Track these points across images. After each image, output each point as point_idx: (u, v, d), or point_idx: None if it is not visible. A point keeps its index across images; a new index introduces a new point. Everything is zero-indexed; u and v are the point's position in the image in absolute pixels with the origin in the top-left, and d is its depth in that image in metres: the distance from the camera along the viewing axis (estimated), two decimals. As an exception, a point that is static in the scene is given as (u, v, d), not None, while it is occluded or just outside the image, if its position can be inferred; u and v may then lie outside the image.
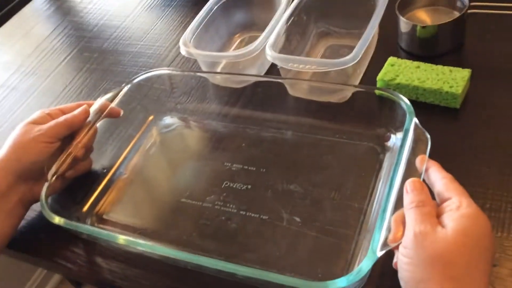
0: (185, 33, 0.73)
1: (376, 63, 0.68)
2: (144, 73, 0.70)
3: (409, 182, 0.46)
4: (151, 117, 0.72)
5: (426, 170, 0.47)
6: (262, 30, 0.69)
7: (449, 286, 0.39)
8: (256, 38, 0.68)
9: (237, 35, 0.81)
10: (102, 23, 1.00)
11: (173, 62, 0.84)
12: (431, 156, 0.51)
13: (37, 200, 0.60)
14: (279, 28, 0.68)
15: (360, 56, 0.61)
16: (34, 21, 1.07)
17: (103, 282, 0.57)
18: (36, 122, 0.61)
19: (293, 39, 0.71)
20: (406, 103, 0.55)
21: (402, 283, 0.43)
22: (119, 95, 0.68)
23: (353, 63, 0.60)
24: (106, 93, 0.68)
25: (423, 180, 0.46)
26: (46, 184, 0.58)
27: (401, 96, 0.56)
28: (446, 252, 0.40)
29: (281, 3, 0.73)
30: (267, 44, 0.66)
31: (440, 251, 0.40)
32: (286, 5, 0.72)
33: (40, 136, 0.58)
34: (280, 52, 0.66)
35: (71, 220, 0.57)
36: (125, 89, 0.68)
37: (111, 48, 0.92)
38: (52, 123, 0.60)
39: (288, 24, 0.69)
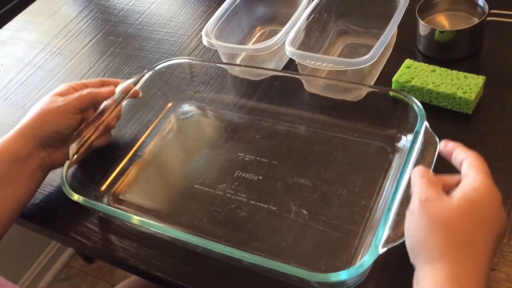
0: (207, 23, 0.74)
1: (393, 64, 0.69)
2: (165, 61, 0.72)
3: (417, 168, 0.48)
4: (170, 104, 0.75)
5: (451, 151, 0.48)
6: (283, 24, 0.70)
7: (450, 251, 0.40)
8: (276, 32, 0.70)
9: (258, 28, 0.83)
10: (128, 8, 1.02)
11: (195, 51, 0.86)
12: (439, 161, 0.52)
13: (55, 166, 0.63)
14: (300, 24, 0.69)
15: (377, 57, 0.62)
16: (61, 1, 1.10)
17: (116, 259, 0.60)
18: (61, 94, 0.64)
19: (313, 36, 0.73)
20: (418, 106, 0.56)
21: (409, 249, 0.44)
22: (140, 80, 0.70)
23: (370, 63, 0.61)
24: (128, 78, 0.71)
25: None
26: (67, 163, 0.60)
27: (414, 99, 0.57)
28: (449, 218, 0.41)
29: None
30: (287, 40, 0.67)
31: (444, 216, 0.41)
32: (308, 2, 0.73)
33: (63, 107, 0.61)
34: (299, 48, 0.68)
35: (89, 198, 0.60)
36: (147, 75, 0.71)
37: (135, 33, 0.95)
38: (76, 95, 0.63)
39: (309, 21, 0.71)
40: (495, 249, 0.43)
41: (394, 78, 0.66)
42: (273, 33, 0.77)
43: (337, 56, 0.75)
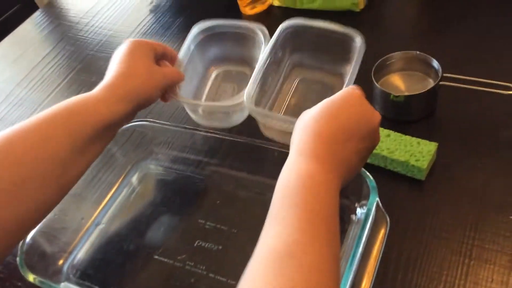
0: None
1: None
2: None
3: None
4: (129, 166, 0.75)
5: None
6: (236, 62, 0.77)
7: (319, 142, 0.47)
8: (230, 72, 0.77)
9: (212, 68, 0.82)
10: (93, 54, 1.02)
11: (156, 106, 0.86)
12: (391, 231, 0.55)
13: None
14: (256, 74, 0.67)
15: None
16: (26, 45, 1.09)
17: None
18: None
19: (269, 76, 0.71)
20: (370, 180, 0.57)
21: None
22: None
23: None
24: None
25: None
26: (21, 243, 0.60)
27: (367, 174, 0.58)
28: (312, 117, 0.48)
29: (255, 41, 0.73)
30: (245, 95, 0.65)
31: (307, 117, 0.49)
32: (262, 44, 0.72)
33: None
34: (257, 95, 0.67)
35: (47, 274, 0.60)
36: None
37: (100, 81, 0.94)
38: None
39: (266, 66, 0.69)
40: (364, 157, 0.50)
41: (351, 143, 0.67)
42: (228, 74, 0.80)
43: (292, 93, 0.75)
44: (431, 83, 0.71)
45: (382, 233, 0.55)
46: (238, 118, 0.72)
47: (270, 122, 0.66)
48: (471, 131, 0.68)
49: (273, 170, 0.58)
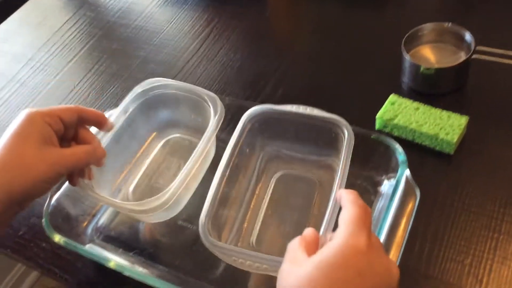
0: None
1: (377, 96, 0.69)
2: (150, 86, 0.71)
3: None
4: (154, 133, 0.74)
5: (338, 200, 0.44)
6: (182, 129, 0.70)
7: None
8: (178, 142, 0.69)
9: (156, 133, 0.73)
10: (114, 21, 1.01)
11: (181, 72, 0.85)
12: (419, 203, 0.54)
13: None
14: (213, 196, 0.54)
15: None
16: (47, 11, 1.08)
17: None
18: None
19: (233, 179, 0.59)
20: (400, 153, 0.56)
21: None
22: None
23: None
24: (113, 99, 0.69)
25: None
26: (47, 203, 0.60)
27: (397, 146, 0.57)
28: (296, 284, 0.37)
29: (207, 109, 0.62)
30: (201, 216, 0.52)
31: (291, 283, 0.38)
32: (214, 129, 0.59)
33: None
34: (218, 206, 0.55)
35: (71, 235, 0.60)
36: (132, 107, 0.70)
37: (121, 49, 0.94)
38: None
39: (228, 172, 0.57)
40: None
41: (378, 115, 0.66)
42: (176, 143, 0.71)
43: (270, 195, 0.62)
44: (462, 56, 0.69)
45: (410, 206, 0.54)
46: (168, 214, 0.61)
47: (236, 262, 0.49)
48: (502, 105, 0.67)
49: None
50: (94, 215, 0.66)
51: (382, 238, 0.51)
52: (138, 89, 0.67)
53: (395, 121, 0.64)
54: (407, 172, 0.55)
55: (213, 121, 0.60)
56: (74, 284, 0.62)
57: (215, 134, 0.60)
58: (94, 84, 0.88)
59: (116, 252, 0.62)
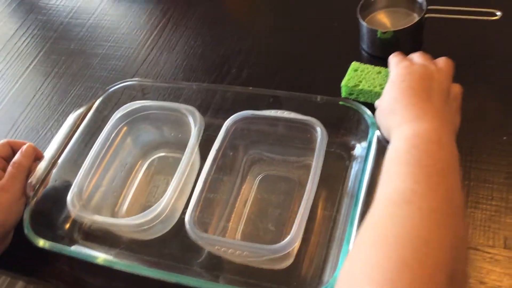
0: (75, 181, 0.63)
1: (340, 65, 0.70)
2: (114, 85, 0.71)
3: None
4: (125, 128, 0.74)
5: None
6: (164, 147, 0.71)
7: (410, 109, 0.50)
8: (165, 158, 0.70)
9: (142, 154, 0.73)
10: (67, 22, 0.99)
11: (143, 64, 0.85)
12: None
13: None
14: (198, 195, 0.57)
15: (299, 241, 0.53)
16: (-5, 19, 1.05)
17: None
18: None
19: (219, 181, 0.62)
20: (369, 116, 0.58)
21: (383, 118, 0.55)
22: (92, 107, 0.69)
23: (289, 249, 0.51)
24: (78, 99, 0.69)
25: None
26: (28, 207, 0.60)
27: (364, 108, 0.59)
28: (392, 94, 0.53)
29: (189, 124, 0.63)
30: (186, 213, 0.56)
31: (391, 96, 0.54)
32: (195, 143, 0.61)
33: None
34: (202, 209, 0.57)
35: (56, 238, 0.60)
36: (98, 101, 0.70)
37: (79, 49, 0.92)
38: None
39: (212, 173, 0.60)
40: (456, 107, 0.56)
41: (343, 83, 0.67)
42: (162, 162, 0.72)
43: (254, 195, 0.64)
44: (416, 17, 0.71)
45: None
46: (165, 226, 0.62)
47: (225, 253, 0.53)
48: (460, 60, 0.68)
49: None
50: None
51: (360, 199, 0.52)
52: (117, 114, 0.67)
53: (360, 87, 0.66)
54: (378, 133, 0.56)
55: (194, 133, 0.62)
56: (63, 287, 0.62)
57: (198, 144, 0.61)
58: (56, 87, 0.86)
59: (103, 249, 0.62)
